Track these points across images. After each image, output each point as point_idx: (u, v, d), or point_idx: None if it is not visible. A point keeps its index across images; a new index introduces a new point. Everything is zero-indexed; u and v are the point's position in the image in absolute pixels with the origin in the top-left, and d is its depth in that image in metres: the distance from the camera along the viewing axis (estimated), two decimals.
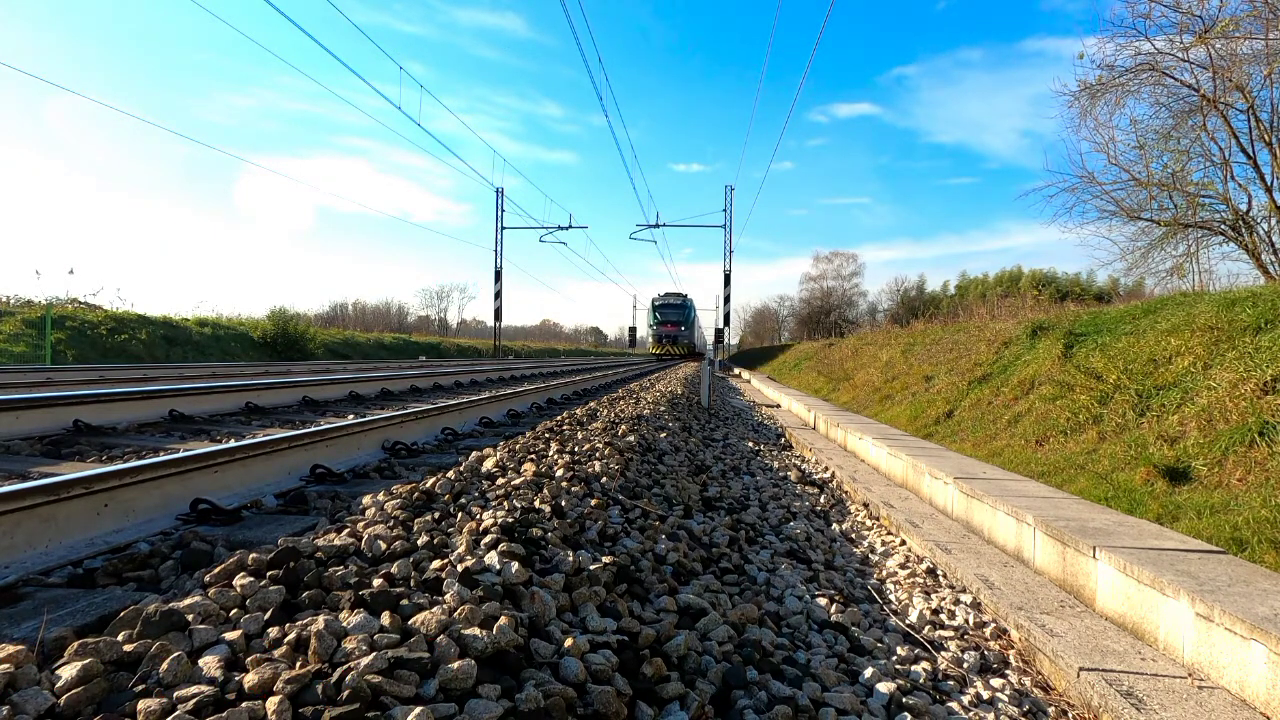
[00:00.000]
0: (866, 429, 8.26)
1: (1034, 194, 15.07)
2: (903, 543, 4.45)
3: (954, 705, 2.32)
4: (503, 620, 1.72)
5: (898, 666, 2.55)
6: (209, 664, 1.41)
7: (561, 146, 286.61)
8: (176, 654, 1.39)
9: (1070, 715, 2.37)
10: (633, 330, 68.54)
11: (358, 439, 4.71)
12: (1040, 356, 8.14)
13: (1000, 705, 2.36)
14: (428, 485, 3.13)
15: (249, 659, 1.44)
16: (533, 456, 4.15)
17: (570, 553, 2.44)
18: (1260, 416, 4.24)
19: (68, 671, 1.31)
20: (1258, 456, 4.01)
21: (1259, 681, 2.17)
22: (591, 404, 8.21)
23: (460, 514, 2.70)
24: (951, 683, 2.50)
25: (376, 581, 1.88)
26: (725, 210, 32.17)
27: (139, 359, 17.51)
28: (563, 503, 3.08)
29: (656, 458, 5.37)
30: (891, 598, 3.42)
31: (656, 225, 32.35)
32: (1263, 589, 2.54)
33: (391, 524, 2.51)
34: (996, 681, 2.56)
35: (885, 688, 2.24)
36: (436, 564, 2.10)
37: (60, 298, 18.99)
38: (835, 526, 4.81)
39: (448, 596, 1.85)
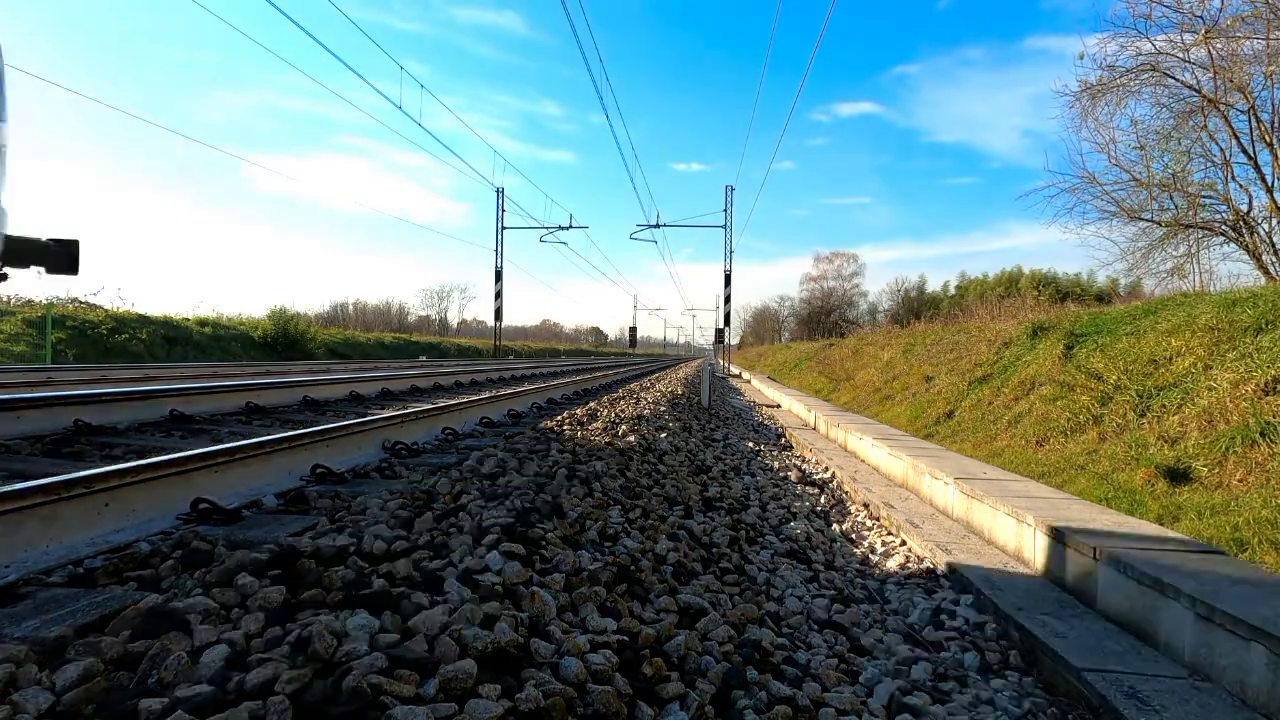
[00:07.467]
0: (867, 429, 8.25)
1: (1035, 194, 15.07)
2: (903, 543, 4.44)
3: (954, 705, 2.32)
4: (503, 620, 1.72)
5: (898, 667, 2.55)
6: (209, 663, 1.41)
7: (561, 146, 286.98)
8: (177, 653, 1.39)
9: (1071, 716, 2.36)
10: (633, 330, 68.72)
11: (358, 439, 4.70)
12: (1040, 357, 8.13)
13: (1001, 706, 2.36)
14: (428, 485, 3.13)
15: (250, 658, 1.44)
16: (533, 457, 4.15)
17: (570, 552, 2.44)
18: (1261, 417, 4.24)
19: (68, 671, 1.31)
20: (1258, 457, 4.01)
21: (1260, 682, 2.17)
22: (592, 404, 8.20)
23: (460, 514, 2.70)
24: (952, 683, 2.50)
25: (377, 581, 1.88)
26: (726, 210, 32.03)
27: (140, 359, 17.51)
28: (563, 503, 3.08)
29: (657, 458, 5.36)
30: (892, 598, 3.42)
31: (657, 225, 32.22)
32: (1264, 590, 2.54)
33: (392, 524, 2.51)
34: (997, 682, 2.56)
35: (885, 688, 2.24)
36: (437, 564, 2.10)
37: (61, 297, 18.98)
38: (835, 527, 4.81)
39: (448, 596, 1.84)
